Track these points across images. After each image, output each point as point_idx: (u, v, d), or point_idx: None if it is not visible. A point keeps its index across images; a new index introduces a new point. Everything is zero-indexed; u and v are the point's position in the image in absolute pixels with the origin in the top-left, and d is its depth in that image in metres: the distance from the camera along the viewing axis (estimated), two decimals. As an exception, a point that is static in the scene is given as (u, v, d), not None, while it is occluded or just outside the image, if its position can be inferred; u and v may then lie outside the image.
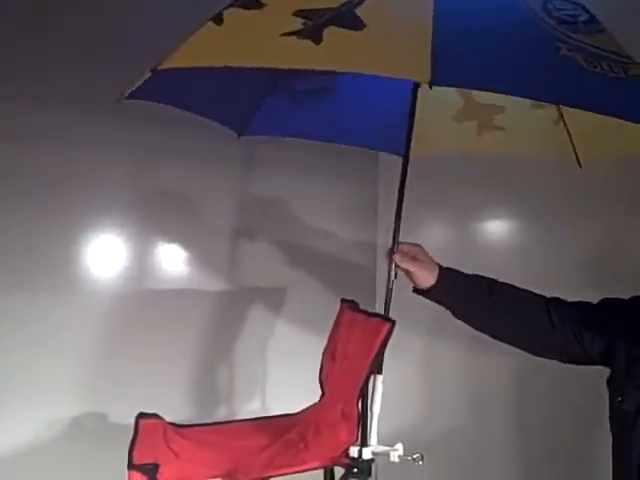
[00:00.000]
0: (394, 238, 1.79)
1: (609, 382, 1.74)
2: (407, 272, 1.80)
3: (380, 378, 1.76)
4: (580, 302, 1.81)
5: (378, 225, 2.87)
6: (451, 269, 1.83)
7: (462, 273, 1.84)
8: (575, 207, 2.53)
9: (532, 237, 2.70)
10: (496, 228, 2.80)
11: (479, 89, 1.68)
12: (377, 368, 1.75)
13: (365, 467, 1.69)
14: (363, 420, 1.72)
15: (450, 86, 1.51)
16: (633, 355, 1.68)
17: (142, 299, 2.48)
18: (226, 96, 2.01)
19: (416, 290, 1.86)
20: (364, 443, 1.71)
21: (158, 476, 1.62)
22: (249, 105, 2.11)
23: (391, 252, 1.79)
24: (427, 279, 1.79)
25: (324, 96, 2.09)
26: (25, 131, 2.19)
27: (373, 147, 2.31)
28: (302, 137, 2.20)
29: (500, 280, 1.85)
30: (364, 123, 2.15)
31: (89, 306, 2.37)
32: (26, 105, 2.19)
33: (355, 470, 1.69)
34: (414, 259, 1.78)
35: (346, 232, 2.76)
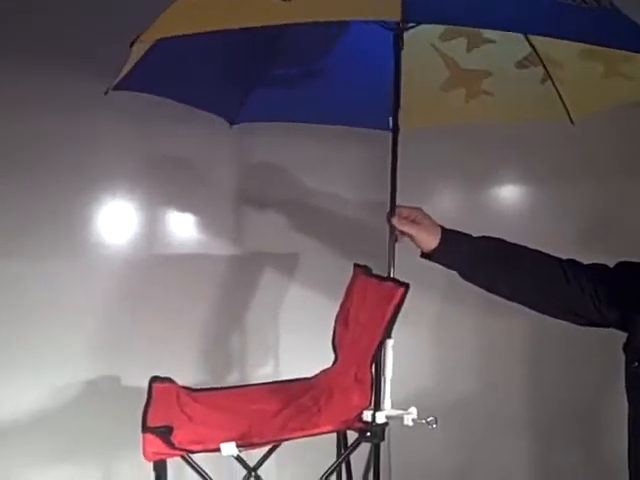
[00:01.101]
0: (391, 202, 1.78)
1: (625, 347, 1.71)
2: (409, 236, 1.77)
3: (390, 342, 1.75)
4: (596, 264, 1.77)
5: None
6: (454, 230, 1.80)
7: (466, 234, 1.81)
8: (584, 171, 2.51)
9: (542, 201, 2.69)
10: (506, 193, 2.77)
11: (451, 24, 1.68)
12: (388, 333, 1.74)
13: (378, 431, 1.69)
14: (376, 384, 1.72)
15: (422, 22, 1.52)
16: None
17: (154, 264, 2.47)
18: (215, 86, 2.03)
19: (423, 255, 1.83)
20: (377, 407, 1.71)
21: (172, 438, 1.63)
22: (238, 94, 2.13)
23: (390, 215, 1.78)
24: (429, 242, 1.76)
25: (312, 80, 2.10)
26: (30, 96, 2.18)
27: (365, 125, 2.27)
28: (293, 121, 2.22)
29: (509, 241, 1.82)
30: (353, 103, 2.15)
31: (101, 271, 2.37)
32: (31, 71, 2.18)
33: (368, 434, 1.69)
34: (413, 222, 1.76)
35: (358, 196, 2.73)
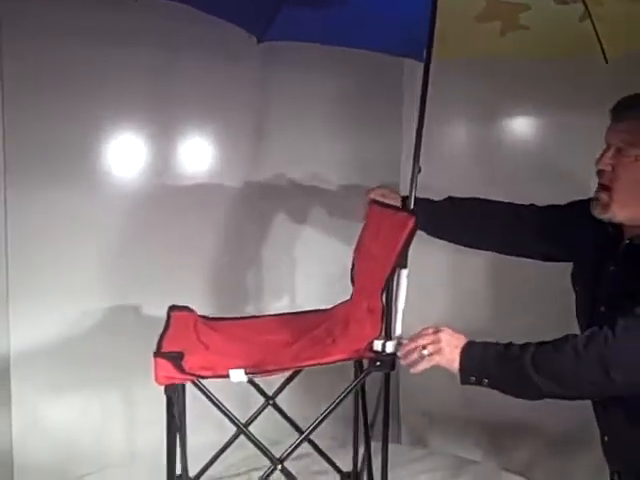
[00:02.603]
0: (419, 126, 1.82)
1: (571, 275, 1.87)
2: None
3: (405, 272, 1.74)
4: (549, 205, 1.93)
5: (403, 127, 2.80)
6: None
7: (424, 200, 1.96)
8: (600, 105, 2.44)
9: (554, 135, 2.62)
10: (517, 126, 2.74)
11: None
12: (402, 262, 1.73)
13: (388, 360, 1.69)
14: (387, 314, 1.71)
15: None
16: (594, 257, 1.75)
17: (169, 194, 2.46)
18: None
19: None
20: (388, 337, 1.71)
21: (183, 363, 1.64)
22: (269, 10, 2.07)
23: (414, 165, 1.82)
24: None
25: (344, 3, 2.03)
26: (46, 26, 2.14)
27: (394, 52, 2.24)
28: (322, 43, 2.17)
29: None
30: (385, 28, 2.09)
31: (115, 201, 2.35)
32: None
33: (378, 363, 1.70)
34: (383, 196, 1.98)
35: (371, 133, 2.69)
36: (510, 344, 1.54)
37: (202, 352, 1.80)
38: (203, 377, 1.67)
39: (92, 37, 2.19)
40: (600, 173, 1.70)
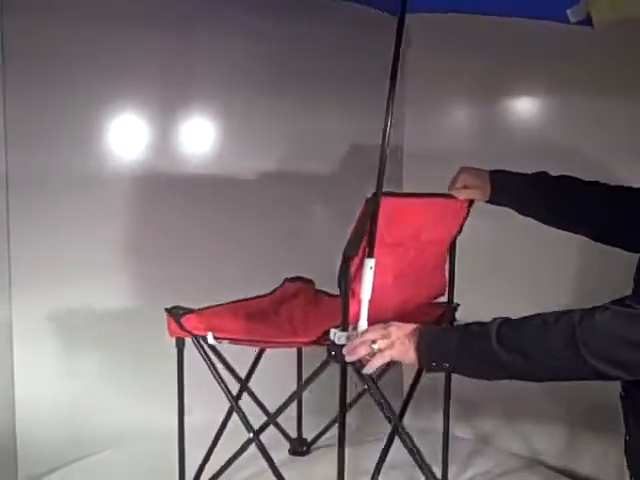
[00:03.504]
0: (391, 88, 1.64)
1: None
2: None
3: (369, 262, 1.56)
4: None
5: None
6: (503, 175, 1.81)
7: (515, 175, 1.81)
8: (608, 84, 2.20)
9: (563, 116, 2.40)
10: (523, 105, 2.55)
11: None
12: (353, 249, 1.56)
13: (337, 352, 1.56)
14: (343, 303, 1.57)
15: None
16: None
17: (182, 175, 2.39)
18: None
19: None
20: (345, 327, 1.57)
21: (183, 321, 1.81)
22: None
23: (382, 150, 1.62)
24: (483, 197, 1.82)
25: None
26: (48, 5, 2.09)
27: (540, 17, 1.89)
28: (471, 12, 1.99)
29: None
30: None
31: (122, 174, 2.28)
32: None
33: (333, 353, 1.58)
34: (466, 188, 1.81)
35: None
36: (471, 323, 1.42)
37: (240, 317, 1.91)
38: (193, 334, 1.81)
39: (94, 16, 2.15)
40: None
